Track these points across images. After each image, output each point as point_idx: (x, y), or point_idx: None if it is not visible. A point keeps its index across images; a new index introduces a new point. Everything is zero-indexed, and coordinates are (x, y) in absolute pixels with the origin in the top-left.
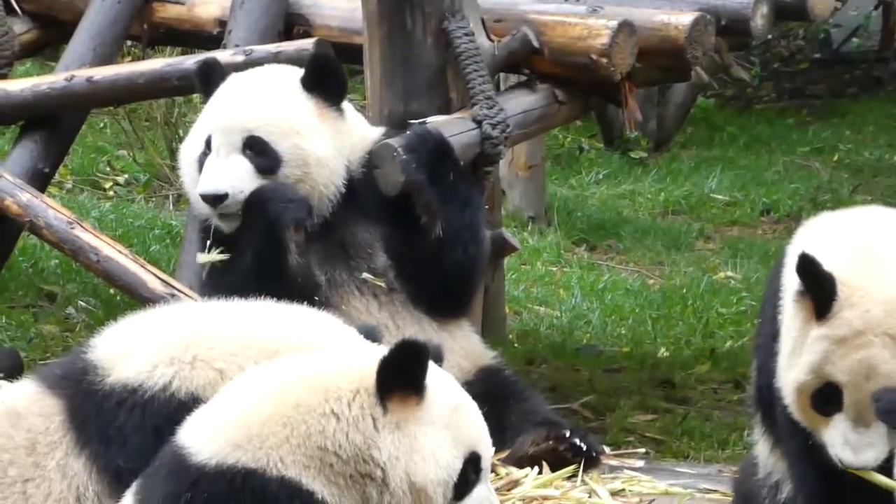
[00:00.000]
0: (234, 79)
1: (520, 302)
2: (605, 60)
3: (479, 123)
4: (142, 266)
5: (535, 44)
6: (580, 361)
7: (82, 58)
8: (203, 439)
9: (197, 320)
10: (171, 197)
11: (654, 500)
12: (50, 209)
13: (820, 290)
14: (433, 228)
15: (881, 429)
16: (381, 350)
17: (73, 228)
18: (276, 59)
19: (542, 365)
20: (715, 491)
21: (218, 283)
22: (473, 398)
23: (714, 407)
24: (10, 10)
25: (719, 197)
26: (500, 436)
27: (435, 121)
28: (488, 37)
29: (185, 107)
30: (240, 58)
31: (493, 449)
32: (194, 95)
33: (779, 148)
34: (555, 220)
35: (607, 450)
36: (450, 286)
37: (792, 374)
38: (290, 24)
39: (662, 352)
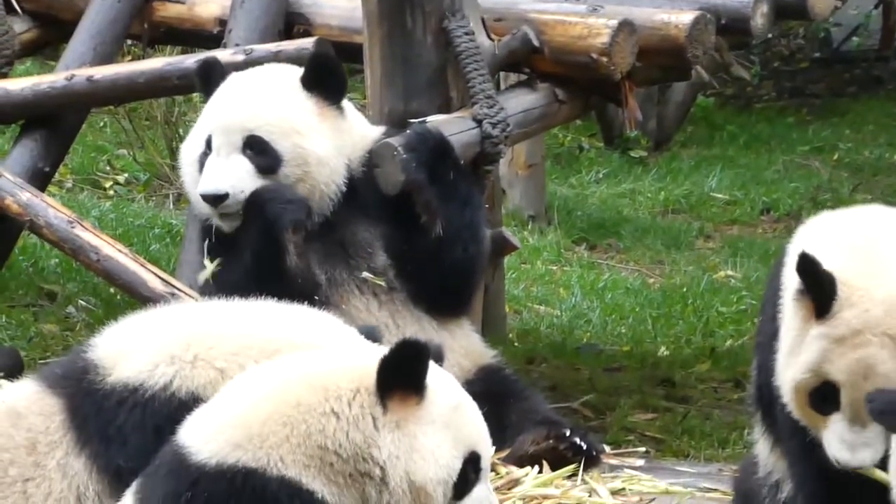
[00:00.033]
0: (234, 78)
1: (520, 301)
2: (605, 59)
3: (479, 122)
4: (142, 265)
5: (536, 43)
6: (580, 360)
7: (82, 57)
8: (203, 438)
9: (197, 320)
10: (171, 196)
11: (654, 499)
12: (50, 208)
13: (820, 289)
14: (433, 227)
15: (878, 428)
16: (382, 349)
17: (73, 227)
18: (277, 58)
19: (542, 364)
20: (715, 490)
21: (218, 283)
22: (473, 397)
23: (714, 406)
24: (10, 10)
25: (719, 196)
26: (501, 435)
27: (435, 120)
28: (488, 36)
29: (185, 106)
30: (240, 57)
31: (494, 448)
32: (194, 94)
33: (779, 147)
34: (555, 219)
35: (607, 449)
36: (450, 285)
37: (790, 373)
38: (291, 24)
39: (663, 351)
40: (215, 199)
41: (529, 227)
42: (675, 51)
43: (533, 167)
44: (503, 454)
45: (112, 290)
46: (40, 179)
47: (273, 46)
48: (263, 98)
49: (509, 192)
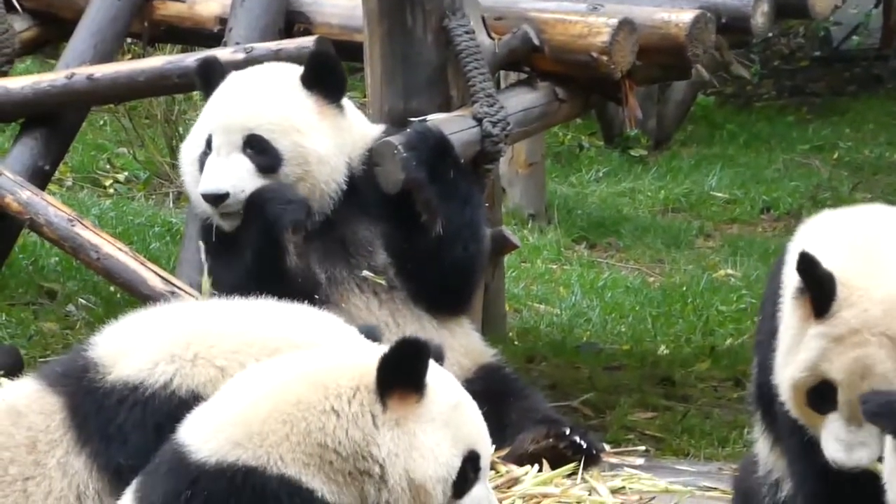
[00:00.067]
0: (233, 77)
1: (520, 300)
2: (605, 58)
3: (479, 121)
4: (142, 263)
5: (536, 42)
6: (580, 359)
7: (83, 55)
8: (203, 437)
9: (197, 318)
10: (171, 194)
11: (654, 497)
12: (50, 207)
13: (819, 289)
14: (433, 226)
15: (874, 428)
16: (382, 348)
17: (73, 226)
18: (277, 56)
19: (542, 363)
20: (715, 489)
21: (218, 283)
22: (473, 396)
23: (714, 405)
24: (10, 8)
25: (719, 195)
26: (501, 433)
27: (435, 118)
28: (489, 34)
29: (185, 104)
30: (240, 55)
31: (494, 446)
32: (194, 93)
33: (779, 146)
34: (555, 218)
35: (607, 447)
36: (450, 284)
37: (788, 371)
38: (291, 22)
39: (662, 349)
40: (216, 199)
41: (529, 225)
42: (676, 49)
43: (533, 166)
44: (503, 453)
45: (112, 288)
46: (40, 178)
47: (273, 45)
48: (263, 97)
49: (509, 190)
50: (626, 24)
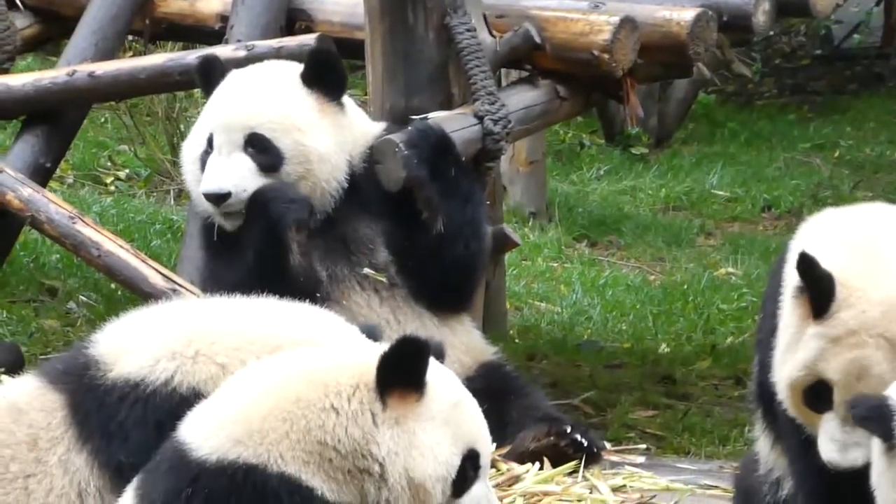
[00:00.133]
0: (234, 76)
1: (521, 298)
2: (606, 56)
3: (480, 119)
4: (143, 261)
5: (537, 40)
6: (581, 357)
7: (84, 53)
8: (204, 435)
9: (199, 316)
10: (172, 192)
11: (654, 496)
12: (51, 204)
13: (818, 289)
14: (434, 224)
15: None
16: (382, 346)
17: (74, 223)
18: (278, 54)
19: (542, 361)
20: (716, 487)
21: (220, 281)
22: (474, 394)
23: (715, 403)
24: (11, 5)
25: (720, 193)
26: (501, 431)
27: (436, 116)
28: (490, 32)
29: (186, 102)
30: (241, 53)
31: (495, 445)
32: (195, 90)
33: (780, 144)
34: (556, 216)
35: (608, 446)
36: (451, 282)
37: (786, 370)
38: (292, 20)
39: (663, 348)
40: (218, 199)
41: (530, 223)
42: (677, 48)
43: (534, 164)
44: (504, 451)
45: (113, 285)
46: (41, 175)
47: (275, 43)
48: (264, 95)
49: (510, 188)
50: (627, 22)
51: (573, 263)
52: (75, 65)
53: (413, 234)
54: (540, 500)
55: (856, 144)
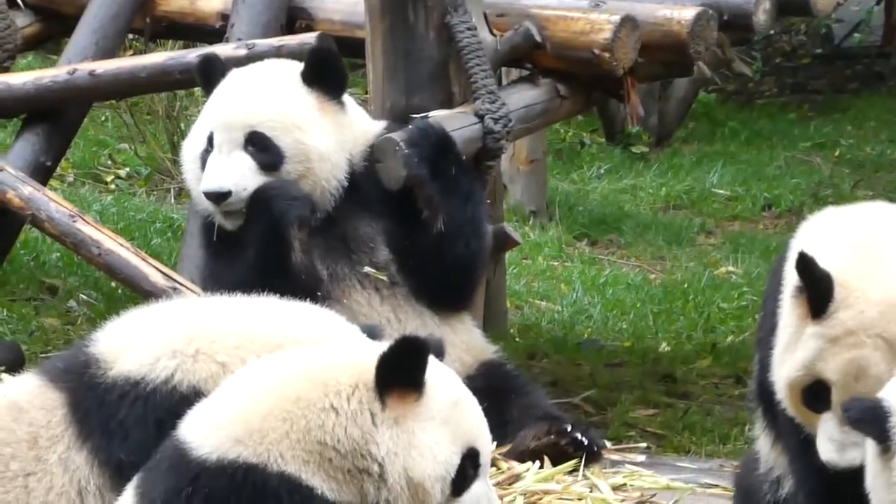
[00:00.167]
0: (234, 74)
1: (521, 296)
2: (607, 55)
3: (481, 118)
4: (143, 259)
5: (538, 38)
6: (581, 356)
7: (84, 51)
8: (204, 434)
9: (199, 314)
10: (172, 190)
11: (655, 494)
12: (52, 202)
13: (816, 289)
14: (435, 223)
15: None
16: (382, 345)
17: (74, 222)
18: (279, 53)
19: (543, 359)
20: (716, 486)
21: (221, 277)
22: (475, 392)
23: (715, 402)
24: (12, 4)
25: (720, 192)
26: (502, 430)
27: (437, 115)
28: (491, 31)
29: (186, 100)
30: (242, 52)
31: (495, 443)
32: (196, 89)
33: (780, 143)
34: (556, 215)
35: (608, 444)
36: (451, 280)
37: (784, 370)
38: (293, 18)
39: (664, 346)
40: (218, 197)
41: (531, 222)
42: (678, 47)
43: (534, 163)
44: (504, 449)
45: (113, 284)
46: (42, 173)
47: (275, 41)
48: (264, 94)
49: (511, 187)
50: (628, 21)
51: (573, 262)
52: (76, 63)
53: (413, 233)
54: (540, 499)
55: (856, 143)
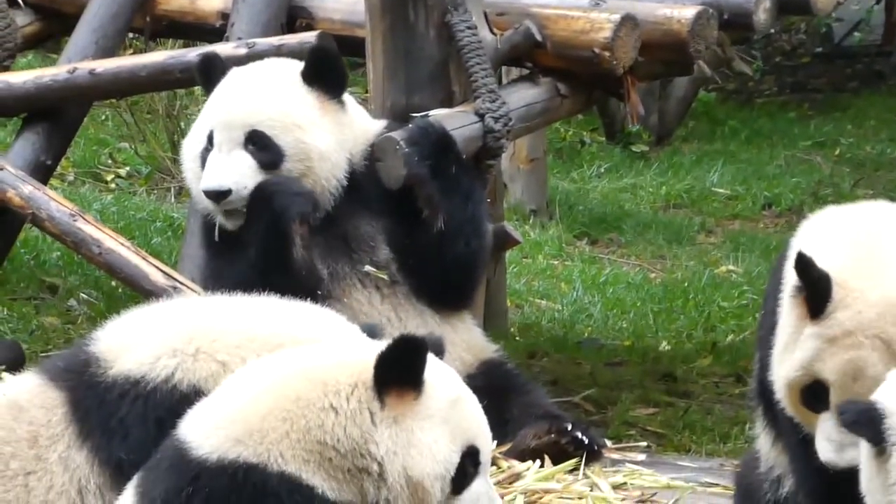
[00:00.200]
0: (234, 73)
1: (521, 295)
2: (607, 54)
3: (481, 117)
4: (144, 258)
5: (538, 37)
6: (582, 355)
7: (84, 50)
8: (204, 433)
9: (200, 313)
10: (172, 189)
11: (655, 493)
12: (52, 201)
13: (815, 289)
14: (435, 222)
15: None
16: (381, 344)
17: (75, 221)
18: (279, 52)
19: (543, 358)
20: (716, 485)
21: (222, 276)
22: (475, 391)
23: (716, 401)
24: (12, 3)
25: (721, 191)
26: (502, 429)
27: (437, 114)
28: (491, 30)
29: (186, 99)
30: (242, 51)
31: (495, 442)
32: (196, 88)
33: (780, 142)
34: (556, 214)
35: (609, 443)
36: (452, 279)
37: (783, 370)
38: (293, 17)
39: (664, 345)
40: (218, 196)
41: (531, 221)
42: (678, 46)
43: (535, 162)
44: (505, 448)
45: (114, 283)
46: (42, 172)
47: (275, 40)
48: (265, 93)
49: (511, 186)
50: (628, 20)
51: (574, 261)
52: (76, 62)
53: (414, 232)
54: (541, 498)
55: (856, 142)
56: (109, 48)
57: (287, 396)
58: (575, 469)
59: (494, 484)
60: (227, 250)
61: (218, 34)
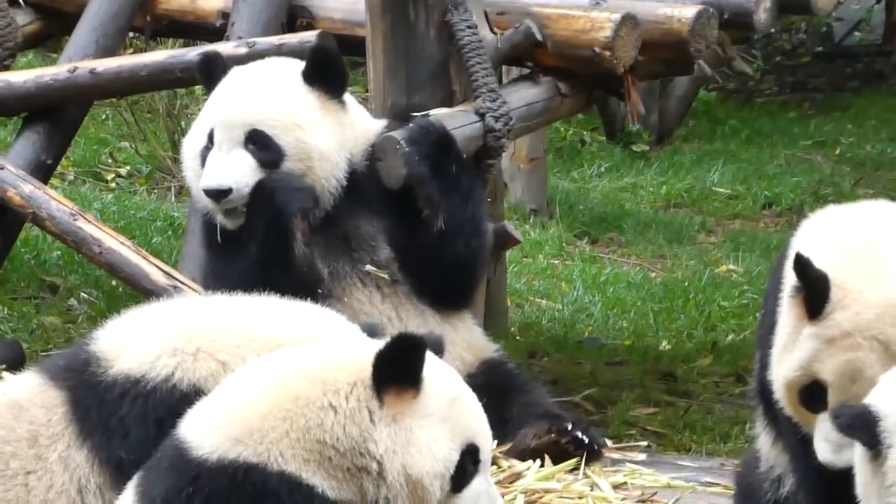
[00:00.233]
0: (235, 72)
1: (522, 295)
2: (608, 53)
3: (481, 116)
4: (144, 258)
5: (539, 37)
6: (582, 354)
7: (85, 49)
8: (204, 433)
9: (200, 313)
10: (173, 188)
11: (655, 493)
12: (52, 201)
13: (813, 290)
14: (435, 221)
15: None
16: (380, 343)
17: (75, 220)
18: (279, 51)
19: (543, 358)
20: (717, 484)
21: (222, 275)
22: (475, 390)
23: (716, 400)
24: (12, 2)
25: (721, 190)
26: (502, 429)
27: (438, 113)
28: (491, 29)
29: (187, 98)
30: (243, 50)
31: (496, 442)
32: (196, 87)
33: (780, 141)
34: (557, 213)
35: (609, 443)
36: (452, 279)
37: (782, 370)
38: (293, 17)
39: (664, 345)
40: (218, 195)
41: (531, 220)
42: (678, 45)
43: (535, 161)
44: (505, 448)
45: (114, 282)
46: (43, 172)
47: (276, 39)
48: (265, 92)
49: (511, 185)
50: (628, 20)
51: (574, 260)
52: (76, 61)
53: (414, 232)
54: (541, 498)
55: (856, 142)
56: (110, 47)
57: (286, 396)
58: (575, 469)
59: (495, 483)
60: (227, 250)
61: (218, 33)
